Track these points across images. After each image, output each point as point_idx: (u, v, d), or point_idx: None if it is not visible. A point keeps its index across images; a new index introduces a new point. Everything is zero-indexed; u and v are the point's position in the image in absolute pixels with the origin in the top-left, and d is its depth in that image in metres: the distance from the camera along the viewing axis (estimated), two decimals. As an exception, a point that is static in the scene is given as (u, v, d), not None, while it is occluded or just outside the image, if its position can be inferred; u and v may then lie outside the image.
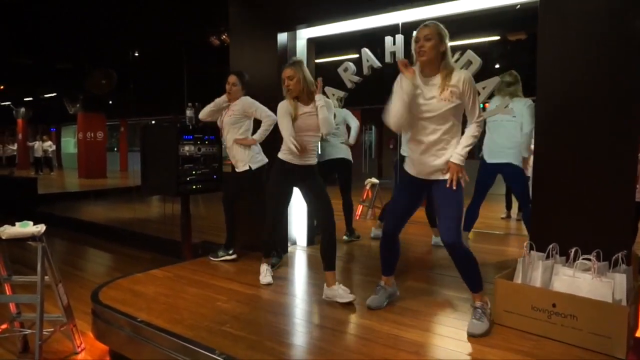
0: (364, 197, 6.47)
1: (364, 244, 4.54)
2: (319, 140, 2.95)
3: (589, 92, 2.61)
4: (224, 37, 7.41)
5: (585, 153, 2.64)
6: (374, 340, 2.31)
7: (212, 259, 3.83)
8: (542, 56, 2.77)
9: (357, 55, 4.04)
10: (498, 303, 2.49)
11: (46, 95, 15.51)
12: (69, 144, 23.04)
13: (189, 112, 4.05)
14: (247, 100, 3.62)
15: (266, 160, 3.69)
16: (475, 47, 3.47)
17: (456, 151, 2.42)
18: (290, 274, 3.58)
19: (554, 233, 2.65)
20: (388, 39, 3.63)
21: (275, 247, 3.58)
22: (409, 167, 2.62)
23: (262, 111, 3.57)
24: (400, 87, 2.39)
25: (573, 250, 2.50)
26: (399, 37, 3.60)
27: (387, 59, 3.67)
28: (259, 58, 4.13)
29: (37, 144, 15.81)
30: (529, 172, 7.09)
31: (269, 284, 3.19)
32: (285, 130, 2.92)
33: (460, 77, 2.38)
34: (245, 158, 3.61)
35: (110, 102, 15.51)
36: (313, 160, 3.05)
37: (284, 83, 2.96)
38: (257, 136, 3.61)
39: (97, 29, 7.82)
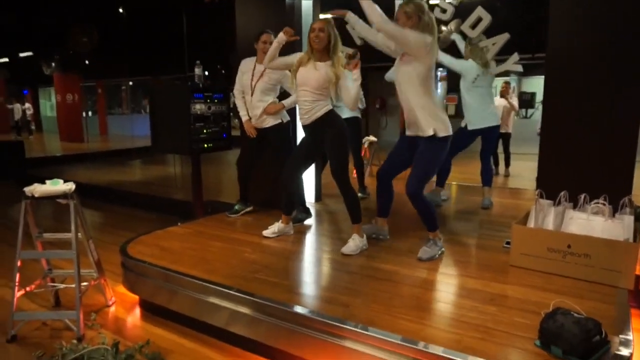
0: (362, 154, 6.59)
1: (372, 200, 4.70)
2: (323, 97, 2.92)
3: (596, 48, 2.75)
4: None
5: (590, 105, 2.81)
6: (401, 282, 2.49)
7: (230, 215, 3.92)
8: (554, 13, 2.86)
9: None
10: (515, 247, 2.68)
11: (22, 55, 14.80)
12: (46, 106, 22.27)
13: (197, 71, 4.02)
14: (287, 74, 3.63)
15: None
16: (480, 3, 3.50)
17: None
18: (307, 228, 3.72)
19: (562, 181, 2.84)
20: (398, -4, 3.64)
21: (296, 203, 3.61)
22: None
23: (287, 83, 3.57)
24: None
25: (582, 196, 2.69)
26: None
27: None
28: (265, 15, 4.09)
29: (16, 107, 15.26)
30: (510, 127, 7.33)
31: (266, 237, 3.31)
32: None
33: None
34: (276, 113, 3.66)
35: (87, 62, 14.96)
36: (318, 113, 2.97)
37: (312, 32, 2.92)
38: (287, 102, 3.61)
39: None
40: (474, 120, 3.96)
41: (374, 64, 4.48)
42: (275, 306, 2.21)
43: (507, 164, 7.71)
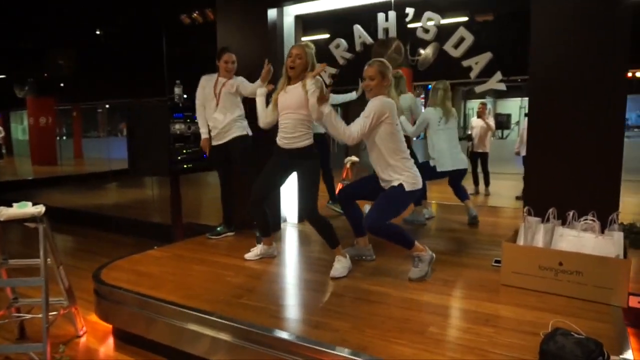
0: (344, 175, 6.54)
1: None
2: (306, 122, 2.85)
3: (579, 66, 2.78)
4: (195, 15, 7.18)
5: (575, 123, 2.83)
6: (392, 304, 2.40)
7: (210, 237, 3.79)
8: (536, 30, 2.91)
9: (327, 36, 4.02)
10: (506, 265, 2.63)
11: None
12: (17, 129, 21.68)
13: (177, 90, 3.93)
14: (243, 79, 3.63)
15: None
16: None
17: None
18: (291, 249, 3.61)
19: (549, 199, 2.82)
20: (380, 16, 3.65)
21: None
22: None
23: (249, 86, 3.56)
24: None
25: (571, 212, 2.68)
26: (392, 14, 3.63)
27: (380, 35, 3.70)
28: (247, 35, 4.06)
29: (-12, 130, 14.79)
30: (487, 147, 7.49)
31: (248, 259, 3.19)
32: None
33: None
34: (241, 125, 3.61)
35: (62, 84, 14.65)
36: (300, 143, 2.90)
37: (289, 57, 2.90)
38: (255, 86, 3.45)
39: (58, 5, 7.33)
40: (443, 162, 4.04)
41: (344, 86, 4.49)
42: (260, 332, 2.09)
43: (487, 183, 7.79)
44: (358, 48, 3.82)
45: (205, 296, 2.56)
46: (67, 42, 10.11)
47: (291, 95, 2.88)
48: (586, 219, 2.51)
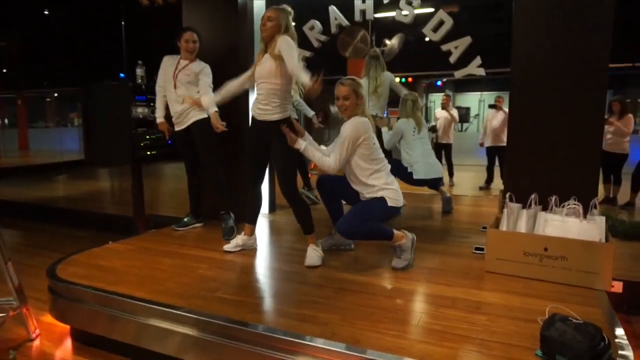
0: (312, 165, 6.40)
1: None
2: (279, 93, 2.71)
3: (561, 55, 2.76)
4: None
5: (555, 109, 2.81)
6: (378, 294, 2.29)
7: (177, 228, 3.55)
8: (517, 20, 2.86)
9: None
10: (490, 252, 2.58)
11: None
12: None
13: (139, 71, 3.65)
14: (207, 66, 3.40)
15: None
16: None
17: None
18: (264, 240, 3.43)
19: (530, 186, 2.80)
20: (357, -4, 3.52)
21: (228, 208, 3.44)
22: None
23: (210, 79, 3.36)
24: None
25: (553, 197, 2.66)
26: (370, -6, 3.51)
27: (357, 17, 3.57)
28: (214, 17, 3.80)
29: None
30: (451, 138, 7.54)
31: (228, 251, 3.00)
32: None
33: None
34: (211, 102, 3.34)
35: (4, 70, 13.63)
36: (272, 116, 2.76)
37: (261, 21, 2.74)
38: (205, 100, 3.27)
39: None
40: (420, 170, 4.05)
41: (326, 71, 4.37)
42: (243, 329, 1.91)
43: (451, 174, 7.89)
44: (334, 30, 3.68)
45: (176, 290, 2.35)
46: (10, 23, 9.31)
47: (266, 64, 2.72)
48: (569, 204, 2.49)
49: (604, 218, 2.45)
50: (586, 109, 2.73)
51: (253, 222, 3.05)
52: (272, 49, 2.69)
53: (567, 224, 2.43)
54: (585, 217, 2.53)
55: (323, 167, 2.70)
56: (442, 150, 7.80)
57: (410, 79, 13.14)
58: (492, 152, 7.30)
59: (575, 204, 2.48)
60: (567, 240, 2.38)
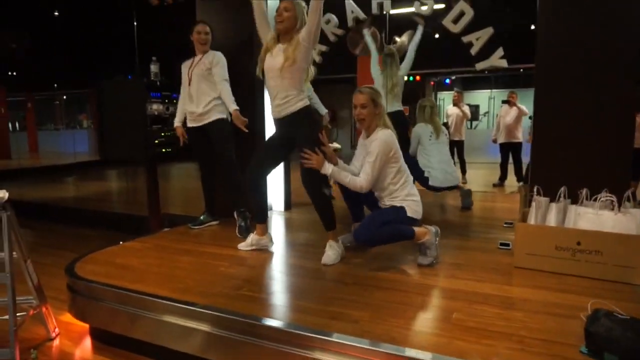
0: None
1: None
2: (296, 83, 2.60)
3: (590, 47, 2.68)
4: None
5: (583, 100, 2.72)
6: (407, 291, 2.21)
7: (193, 227, 3.50)
8: (542, 12, 2.78)
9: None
10: (519, 247, 2.50)
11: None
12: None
13: (153, 67, 3.60)
14: (218, 53, 3.32)
15: None
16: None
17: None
18: (282, 237, 3.37)
19: (558, 178, 2.71)
20: (375, -11, 3.46)
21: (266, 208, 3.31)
22: None
23: (224, 72, 3.28)
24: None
25: (583, 190, 2.57)
26: (387, -13, 3.45)
27: (374, 9, 3.50)
28: (229, 12, 3.73)
29: None
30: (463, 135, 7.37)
31: (242, 249, 2.92)
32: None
33: None
34: (219, 108, 3.30)
35: (14, 73, 13.65)
36: (294, 106, 2.64)
37: (277, 12, 2.63)
38: (234, 104, 3.23)
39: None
40: (437, 178, 3.98)
41: (325, 75, 4.32)
42: (274, 327, 1.85)
43: (464, 171, 7.78)
44: (350, 24, 3.62)
45: (198, 288, 2.29)
46: (18, 25, 9.31)
47: (276, 58, 2.61)
48: (604, 196, 2.40)
49: (639, 210, 2.36)
50: (616, 99, 2.64)
51: (263, 220, 2.95)
52: (293, 48, 2.56)
53: (601, 217, 2.34)
54: (619, 210, 2.44)
55: (355, 188, 2.57)
56: (454, 147, 7.69)
57: (418, 77, 13.04)
58: (506, 149, 7.19)
59: (609, 196, 2.40)
60: (601, 233, 2.29)
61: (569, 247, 2.36)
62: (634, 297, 2.08)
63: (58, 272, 2.66)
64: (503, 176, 7.35)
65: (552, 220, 2.55)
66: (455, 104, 7.76)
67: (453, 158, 7.59)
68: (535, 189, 2.69)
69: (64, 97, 18.25)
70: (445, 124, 7.63)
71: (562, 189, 2.61)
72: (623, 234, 2.26)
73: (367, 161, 2.56)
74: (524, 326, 1.81)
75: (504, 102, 7.37)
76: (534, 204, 2.63)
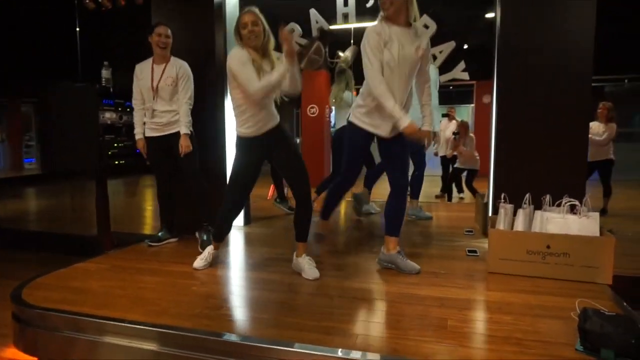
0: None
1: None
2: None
3: (549, 60, 2.88)
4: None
5: (544, 113, 2.92)
6: (395, 301, 2.20)
7: (151, 244, 3.26)
8: (504, 22, 2.95)
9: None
10: (493, 252, 2.58)
11: None
12: None
13: (105, 73, 3.34)
14: (185, 65, 3.15)
15: None
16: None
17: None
18: (249, 252, 3.23)
19: (519, 187, 2.85)
20: (339, 0, 3.49)
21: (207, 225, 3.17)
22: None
23: (190, 89, 3.13)
24: None
25: (546, 197, 2.73)
26: (351, -1, 3.49)
27: (339, 20, 3.53)
28: (189, 17, 3.58)
29: None
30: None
31: (199, 269, 2.74)
32: (255, 81, 2.39)
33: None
34: (184, 121, 3.10)
35: None
36: (275, 121, 2.62)
37: (244, 29, 2.50)
38: (187, 128, 3.10)
39: None
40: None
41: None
42: (273, 347, 1.73)
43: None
44: (315, 34, 3.60)
45: (174, 310, 2.11)
46: None
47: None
48: (568, 201, 2.56)
49: (597, 214, 2.54)
50: (572, 110, 2.85)
51: (222, 239, 2.85)
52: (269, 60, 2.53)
53: (567, 221, 2.49)
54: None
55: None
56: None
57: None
58: (447, 162, 7.51)
59: (572, 201, 2.55)
60: (569, 236, 2.44)
61: (540, 250, 2.48)
62: (604, 295, 2.21)
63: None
64: (445, 188, 7.66)
65: (519, 225, 2.67)
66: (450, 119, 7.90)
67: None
68: (502, 197, 2.81)
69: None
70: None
71: (527, 195, 2.75)
72: (588, 236, 2.41)
73: None
74: (517, 329, 1.85)
75: (444, 115, 7.73)
76: (501, 210, 2.74)
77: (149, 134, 3.15)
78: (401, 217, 2.67)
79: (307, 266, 2.59)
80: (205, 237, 3.13)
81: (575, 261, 2.42)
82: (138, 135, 3.15)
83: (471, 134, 6.66)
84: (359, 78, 4.39)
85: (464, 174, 6.74)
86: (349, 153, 2.75)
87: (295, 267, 2.65)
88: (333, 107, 4.43)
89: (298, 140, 11.42)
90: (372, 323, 1.95)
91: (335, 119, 4.38)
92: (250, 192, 2.76)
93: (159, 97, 3.08)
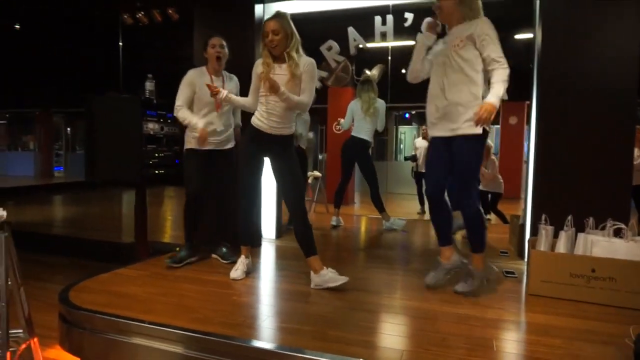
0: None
1: (326, 234, 4.37)
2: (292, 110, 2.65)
3: (592, 82, 2.86)
4: (140, 15, 6.56)
5: (586, 136, 2.88)
6: (436, 319, 2.18)
7: (173, 265, 3.00)
8: (545, 43, 2.96)
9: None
10: (534, 274, 2.54)
11: None
12: None
13: (149, 85, 3.45)
14: (235, 78, 3.22)
15: None
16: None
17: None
18: (287, 264, 3.25)
19: (562, 207, 2.81)
20: (377, 19, 3.55)
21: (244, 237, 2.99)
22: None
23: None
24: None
25: (590, 219, 2.68)
26: (389, 18, 3.55)
27: (377, 38, 3.58)
28: (230, 32, 3.67)
29: None
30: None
31: (238, 279, 2.76)
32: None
33: None
34: (232, 135, 3.18)
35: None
36: (286, 130, 2.67)
37: (266, 37, 2.57)
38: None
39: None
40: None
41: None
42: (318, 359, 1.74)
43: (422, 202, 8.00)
44: (352, 51, 3.67)
45: (219, 319, 2.13)
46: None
47: (279, 78, 2.56)
48: (613, 224, 2.52)
49: (645, 239, 2.49)
50: (615, 131, 2.82)
51: (251, 242, 2.97)
52: (295, 66, 2.57)
53: (613, 245, 2.44)
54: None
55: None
56: (422, 179, 7.91)
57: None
58: (421, 178, 7.53)
59: (617, 224, 2.51)
60: (615, 260, 2.39)
61: (584, 274, 2.43)
62: (653, 323, 2.15)
63: (33, 303, 2.36)
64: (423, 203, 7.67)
65: (561, 247, 2.63)
66: (424, 137, 8.03)
67: (421, 190, 7.80)
68: (543, 218, 2.77)
69: (7, 115, 17.13)
70: (414, 157, 7.87)
71: (569, 217, 2.71)
72: (636, 261, 2.36)
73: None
74: (567, 353, 1.82)
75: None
76: (542, 232, 2.71)
77: (204, 146, 2.95)
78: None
79: (331, 275, 2.59)
80: (225, 249, 3.16)
81: (622, 286, 2.36)
82: (200, 124, 2.90)
83: (492, 157, 6.61)
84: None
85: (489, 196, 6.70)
86: None
87: (318, 284, 2.60)
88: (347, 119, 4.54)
89: (320, 157, 11.48)
90: (415, 339, 1.93)
91: (358, 128, 4.41)
92: (259, 193, 2.87)
93: (221, 111, 3.04)
